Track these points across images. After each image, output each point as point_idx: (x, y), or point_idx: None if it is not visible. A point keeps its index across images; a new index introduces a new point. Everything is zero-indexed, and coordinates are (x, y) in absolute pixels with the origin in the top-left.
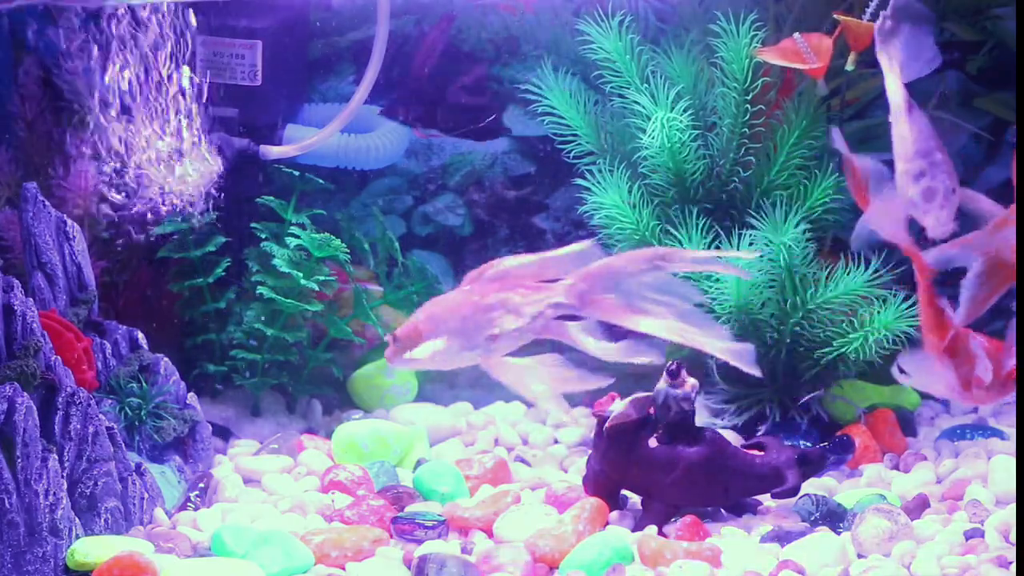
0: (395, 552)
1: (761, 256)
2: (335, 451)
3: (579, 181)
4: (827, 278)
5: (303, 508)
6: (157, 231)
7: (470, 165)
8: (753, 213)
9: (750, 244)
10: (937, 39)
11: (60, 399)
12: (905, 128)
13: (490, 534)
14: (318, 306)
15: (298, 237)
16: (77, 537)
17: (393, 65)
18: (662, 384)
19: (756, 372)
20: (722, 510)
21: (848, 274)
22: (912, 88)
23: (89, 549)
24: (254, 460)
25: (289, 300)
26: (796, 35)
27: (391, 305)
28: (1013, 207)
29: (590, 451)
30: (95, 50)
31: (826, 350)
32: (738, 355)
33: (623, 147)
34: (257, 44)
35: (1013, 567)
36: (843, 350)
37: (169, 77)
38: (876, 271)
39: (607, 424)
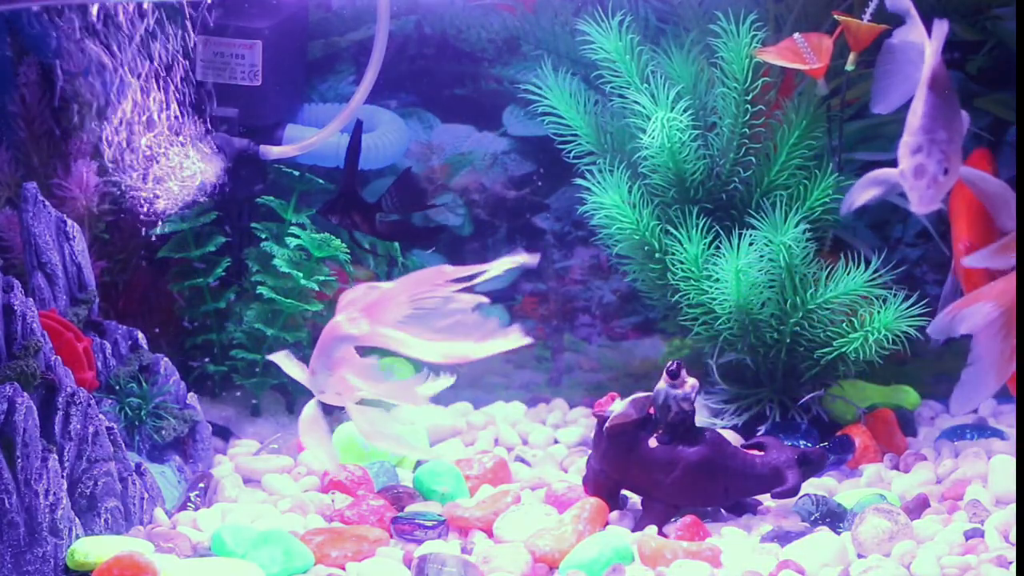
0: (395, 552)
1: (761, 256)
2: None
3: (579, 181)
4: (827, 278)
5: (303, 508)
6: (157, 231)
7: (470, 165)
8: (753, 213)
9: (750, 244)
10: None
11: (60, 399)
12: (919, 102)
13: (490, 534)
14: (318, 306)
15: (298, 237)
16: (77, 537)
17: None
18: (662, 384)
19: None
20: (722, 510)
21: (848, 274)
22: None
23: (89, 549)
24: (254, 460)
25: (289, 300)
26: (796, 35)
27: None
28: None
29: (590, 451)
30: (94, 50)
31: (826, 350)
32: (509, 339)
33: (623, 147)
34: (257, 44)
35: (1013, 567)
36: (843, 350)
37: (169, 77)
38: (876, 271)
39: (607, 424)
